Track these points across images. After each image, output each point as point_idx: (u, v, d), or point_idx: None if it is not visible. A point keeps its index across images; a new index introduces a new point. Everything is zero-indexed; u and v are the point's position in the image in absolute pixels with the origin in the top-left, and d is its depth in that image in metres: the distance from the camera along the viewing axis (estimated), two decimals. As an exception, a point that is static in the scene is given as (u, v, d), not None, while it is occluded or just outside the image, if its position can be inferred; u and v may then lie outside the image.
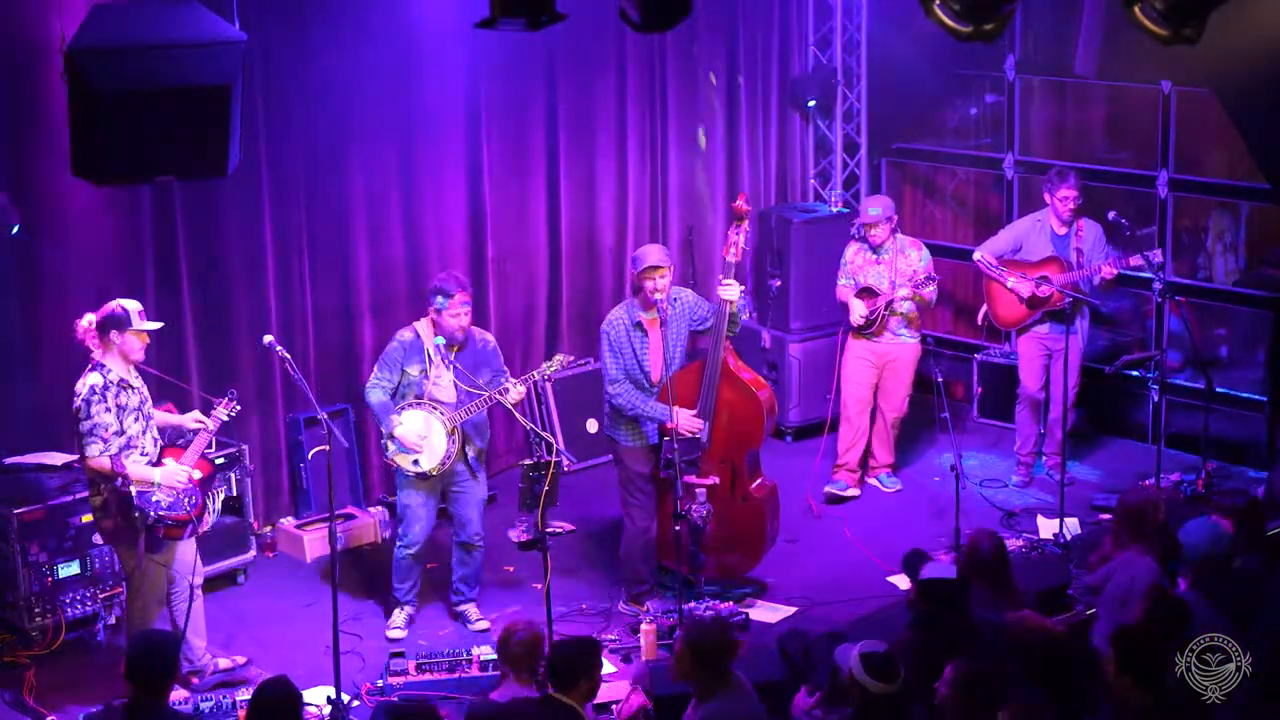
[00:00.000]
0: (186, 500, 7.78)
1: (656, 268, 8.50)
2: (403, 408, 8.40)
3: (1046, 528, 9.67)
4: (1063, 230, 10.13)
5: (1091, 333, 10.61)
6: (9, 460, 8.74)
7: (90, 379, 7.65)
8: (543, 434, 9.02)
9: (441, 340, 8.43)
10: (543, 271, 11.12)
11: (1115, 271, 10.00)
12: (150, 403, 7.98)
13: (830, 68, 12.25)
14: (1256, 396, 10.66)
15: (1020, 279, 10.14)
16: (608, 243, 11.41)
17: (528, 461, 8.36)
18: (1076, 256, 10.06)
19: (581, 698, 6.45)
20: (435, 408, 8.39)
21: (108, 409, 7.62)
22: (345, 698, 7.72)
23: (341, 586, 8.08)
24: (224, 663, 8.18)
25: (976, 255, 10.47)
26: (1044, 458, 10.57)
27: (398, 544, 8.66)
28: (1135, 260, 10.09)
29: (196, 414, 8.08)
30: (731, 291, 8.50)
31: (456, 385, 8.43)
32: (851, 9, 12.21)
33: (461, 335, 8.45)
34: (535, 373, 8.71)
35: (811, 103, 12.26)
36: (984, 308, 10.63)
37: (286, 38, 9.43)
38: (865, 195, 12.55)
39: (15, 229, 8.43)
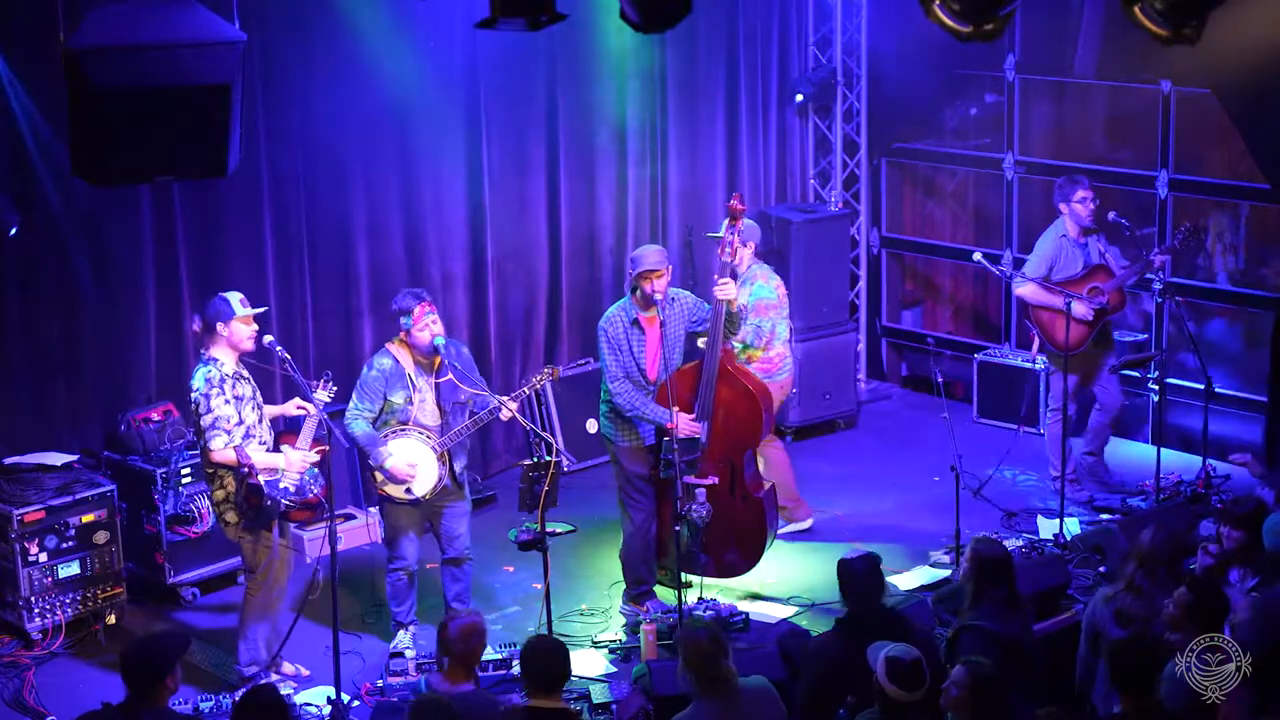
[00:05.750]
0: (311, 484, 7.93)
1: (654, 270, 8.48)
2: (388, 436, 8.19)
3: (1046, 528, 9.67)
4: (1083, 239, 10.03)
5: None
6: (9, 460, 8.75)
7: (205, 373, 7.76)
8: (543, 434, 8.98)
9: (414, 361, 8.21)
10: (543, 271, 11.12)
11: (1164, 260, 10.01)
12: (259, 392, 8.06)
13: (830, 68, 12.26)
14: (1256, 396, 10.66)
15: (1078, 299, 9.74)
16: (608, 243, 11.41)
17: (528, 461, 8.30)
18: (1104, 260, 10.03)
19: (559, 698, 6.42)
20: (421, 433, 8.21)
21: (226, 401, 7.73)
22: (345, 698, 7.72)
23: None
24: (288, 668, 8.23)
25: (1025, 289, 9.98)
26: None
27: (389, 566, 8.45)
28: (1160, 256, 10.07)
29: (298, 400, 8.17)
30: (728, 291, 8.49)
31: (440, 406, 8.27)
32: (851, 9, 12.23)
33: (442, 345, 8.15)
34: (525, 388, 8.60)
35: (800, 96, 12.25)
36: (1035, 341, 10.33)
37: (286, 38, 9.44)
38: (865, 195, 12.57)
39: (13, 230, 8.45)
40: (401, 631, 8.48)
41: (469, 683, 6.74)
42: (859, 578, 6.89)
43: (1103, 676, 6.96)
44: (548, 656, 6.40)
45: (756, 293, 9.44)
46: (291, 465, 7.88)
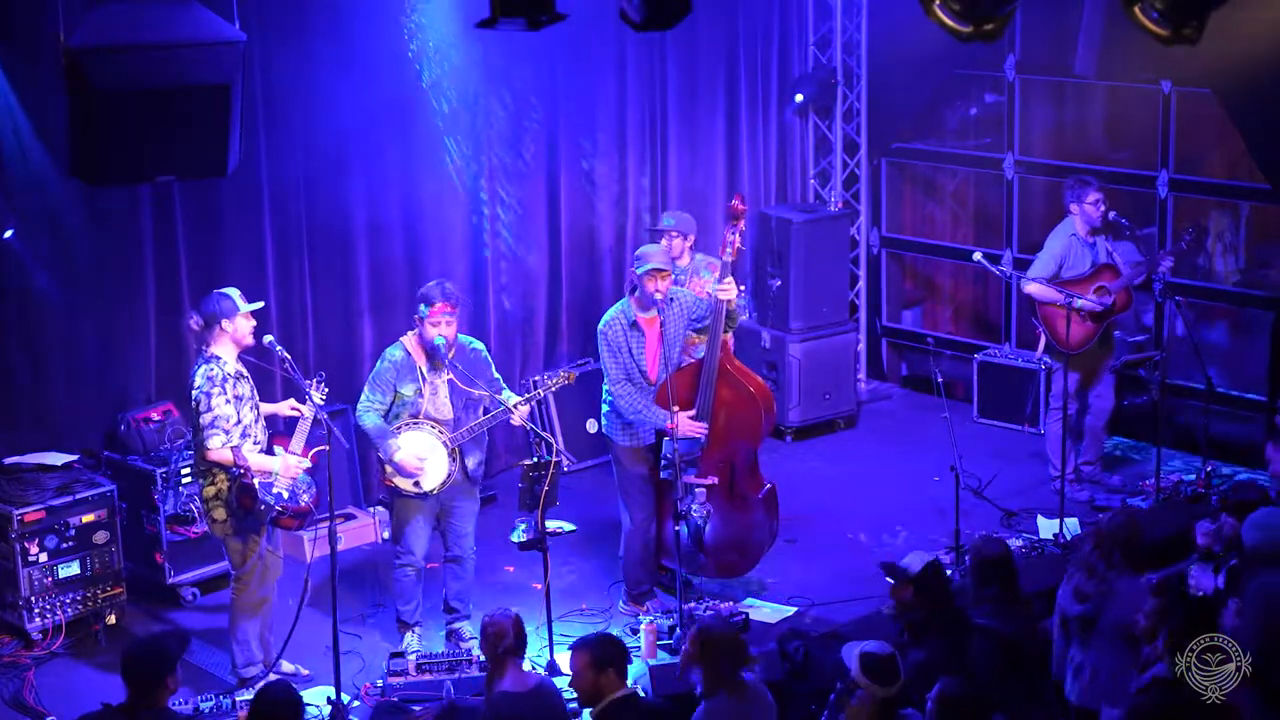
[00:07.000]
0: (304, 492, 7.91)
1: (659, 270, 8.49)
2: (399, 429, 8.17)
3: (1046, 528, 9.67)
4: (1091, 239, 10.04)
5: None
6: (9, 460, 8.75)
7: (206, 370, 7.72)
8: (543, 434, 8.98)
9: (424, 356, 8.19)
10: (543, 271, 11.12)
11: (1169, 264, 9.98)
12: (258, 392, 8.04)
13: (830, 68, 12.27)
14: (1256, 396, 10.65)
15: (1084, 298, 9.77)
16: (608, 243, 11.41)
17: (528, 461, 8.31)
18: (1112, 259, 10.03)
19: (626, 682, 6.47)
20: (434, 427, 8.18)
21: (227, 400, 7.70)
22: (345, 698, 7.72)
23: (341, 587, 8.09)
24: (287, 667, 8.22)
25: (1030, 287, 9.98)
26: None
27: (397, 562, 8.44)
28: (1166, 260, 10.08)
29: (292, 402, 8.14)
30: (729, 291, 8.50)
31: (453, 401, 8.24)
32: (851, 9, 12.23)
33: (442, 346, 8.09)
34: (540, 389, 8.63)
35: (799, 97, 12.25)
36: (1041, 340, 10.34)
37: (286, 38, 9.44)
38: (865, 195, 12.57)
39: (9, 233, 8.44)
40: (409, 634, 8.44)
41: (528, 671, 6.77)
42: (942, 575, 6.95)
43: (1070, 665, 7.02)
44: (616, 644, 6.36)
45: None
46: (285, 469, 7.86)
